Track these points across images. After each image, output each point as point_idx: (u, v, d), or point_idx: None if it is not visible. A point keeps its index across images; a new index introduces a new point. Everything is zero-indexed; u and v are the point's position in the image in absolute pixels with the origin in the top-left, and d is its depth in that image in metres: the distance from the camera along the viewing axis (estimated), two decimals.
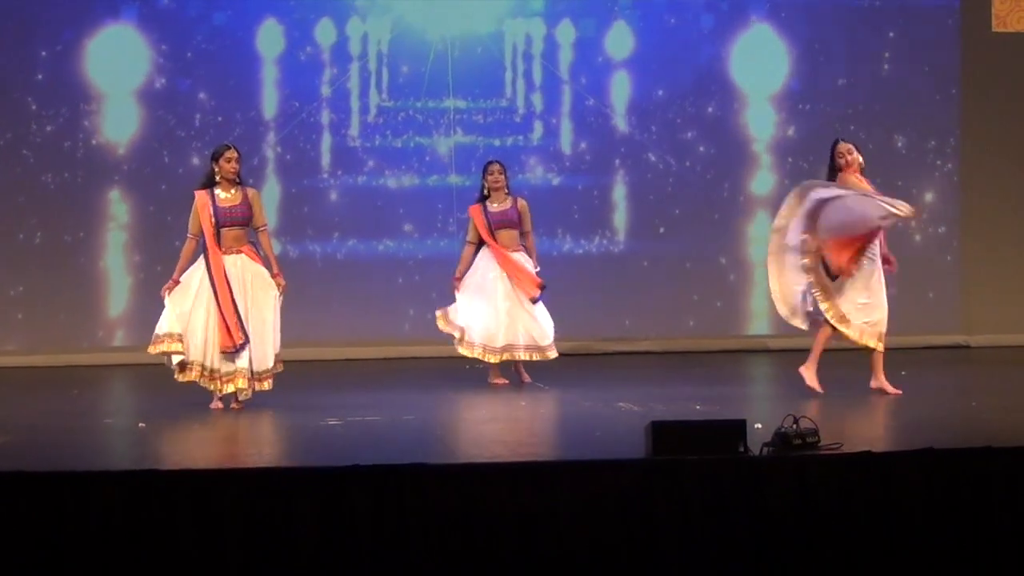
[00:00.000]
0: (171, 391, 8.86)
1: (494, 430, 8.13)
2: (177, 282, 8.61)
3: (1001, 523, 6.21)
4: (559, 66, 12.43)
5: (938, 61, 12.59)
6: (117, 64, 12.05)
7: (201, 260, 8.64)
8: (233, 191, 8.67)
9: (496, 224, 9.91)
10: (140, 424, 8.04)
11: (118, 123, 12.10)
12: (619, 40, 12.46)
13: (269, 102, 12.23)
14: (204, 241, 8.64)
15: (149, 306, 11.89)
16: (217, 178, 8.65)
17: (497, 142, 12.33)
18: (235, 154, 8.70)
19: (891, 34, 12.55)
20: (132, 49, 12.08)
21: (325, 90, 12.28)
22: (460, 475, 6.15)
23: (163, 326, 8.55)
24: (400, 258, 12.37)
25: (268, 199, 12.07)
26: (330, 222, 12.33)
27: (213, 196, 8.64)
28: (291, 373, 8.99)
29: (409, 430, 7.88)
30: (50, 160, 12.04)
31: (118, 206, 12.13)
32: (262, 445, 7.66)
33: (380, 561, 5.93)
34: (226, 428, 8.09)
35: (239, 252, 8.62)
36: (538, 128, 12.45)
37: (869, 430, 7.78)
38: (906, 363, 9.25)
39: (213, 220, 8.57)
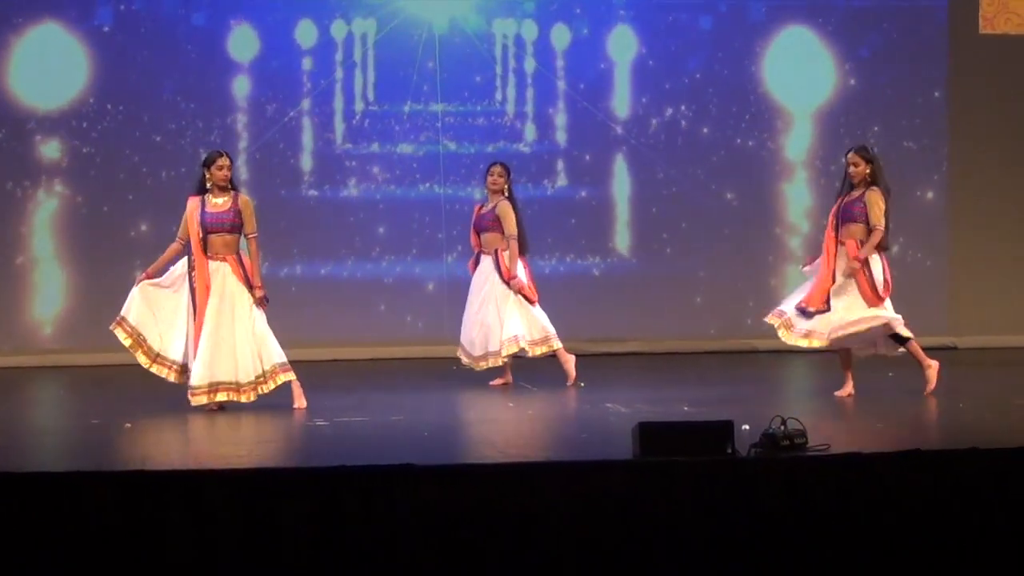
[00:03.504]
0: (149, 391, 8.90)
1: (482, 431, 8.13)
2: (149, 276, 8.70)
3: (988, 524, 6.22)
4: (553, 68, 12.32)
5: (925, 63, 12.60)
6: (91, 67, 11.87)
7: (182, 265, 8.71)
8: (224, 198, 8.72)
9: (477, 226, 9.90)
10: (126, 424, 8.02)
11: (93, 127, 11.93)
12: (615, 41, 12.35)
13: (248, 107, 12.04)
14: (190, 248, 8.68)
15: (103, 312, 11.88)
16: (209, 185, 8.71)
17: (490, 148, 12.15)
18: (227, 161, 8.76)
19: (878, 36, 12.56)
20: (106, 52, 11.90)
21: (306, 94, 12.09)
22: (448, 476, 6.15)
23: (128, 310, 8.67)
24: (384, 271, 12.20)
25: None
26: (311, 232, 12.12)
27: (203, 202, 8.69)
28: None
29: (397, 431, 7.88)
30: (16, 164, 11.88)
31: (82, 213, 11.93)
32: (250, 446, 7.65)
33: (368, 562, 5.92)
34: (213, 429, 8.08)
35: (224, 260, 8.66)
36: (530, 133, 12.33)
37: (856, 431, 7.79)
38: (893, 364, 9.26)
39: (200, 225, 8.61)
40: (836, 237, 8.93)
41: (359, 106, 12.20)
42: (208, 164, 8.72)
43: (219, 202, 8.70)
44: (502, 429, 8.16)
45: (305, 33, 12.14)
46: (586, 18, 12.36)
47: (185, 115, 12.01)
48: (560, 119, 12.36)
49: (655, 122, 12.41)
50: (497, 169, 9.88)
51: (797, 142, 12.53)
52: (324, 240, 12.19)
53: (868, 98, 12.53)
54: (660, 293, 12.39)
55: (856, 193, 8.95)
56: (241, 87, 12.08)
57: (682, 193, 12.42)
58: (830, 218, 9.04)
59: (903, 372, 9.52)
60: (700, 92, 12.43)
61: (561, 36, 12.32)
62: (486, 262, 9.84)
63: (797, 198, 12.53)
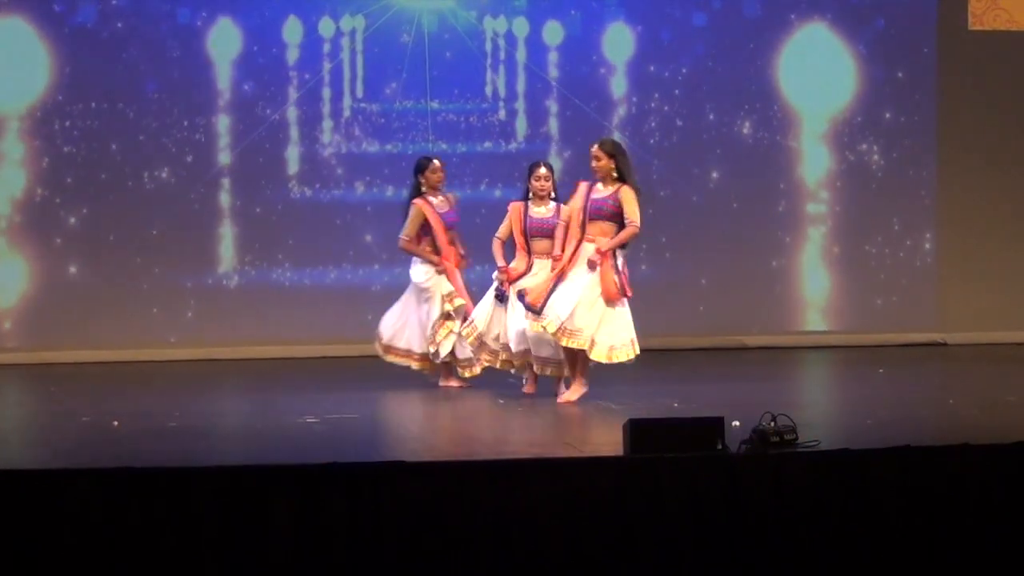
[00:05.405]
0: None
1: (472, 428, 8.12)
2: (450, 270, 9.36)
3: (978, 520, 6.22)
4: (545, 65, 12.22)
5: (914, 59, 12.59)
6: (73, 63, 11.72)
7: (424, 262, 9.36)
8: (441, 198, 9.41)
9: (533, 231, 9.27)
10: (114, 422, 7.99)
11: (76, 125, 11.77)
12: (609, 38, 12.24)
13: (233, 105, 11.87)
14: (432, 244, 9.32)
15: (77, 310, 11.77)
16: (424, 189, 9.27)
17: (485, 145, 12.05)
18: (440, 163, 9.46)
19: (866, 32, 12.54)
20: (89, 48, 11.73)
21: (293, 92, 11.97)
22: (437, 473, 6.14)
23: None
24: (374, 273, 12.04)
25: (232, 210, 11.92)
26: (298, 233, 11.97)
27: (432, 205, 9.33)
28: (268, 370, 9.00)
29: (387, 428, 7.86)
30: None
31: (61, 214, 11.76)
32: (237, 442, 7.63)
33: (356, 558, 5.91)
34: (203, 425, 8.06)
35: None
36: (522, 131, 12.21)
37: (846, 427, 7.79)
38: (883, 360, 9.27)
39: (444, 226, 9.30)
40: (582, 234, 8.76)
41: (347, 104, 12.12)
42: (422, 170, 9.33)
43: (441, 201, 9.41)
44: (492, 426, 8.15)
45: (292, 30, 12.02)
46: (579, 14, 12.29)
47: (169, 113, 11.90)
48: (552, 117, 12.28)
49: (649, 120, 12.36)
50: (544, 172, 9.34)
51: (793, 139, 12.48)
52: (311, 240, 12.07)
53: (863, 95, 12.49)
54: (655, 292, 12.30)
55: (605, 190, 8.81)
56: (226, 85, 12.00)
57: (677, 192, 12.35)
58: (574, 212, 8.83)
59: (893, 369, 9.53)
60: (695, 89, 12.37)
61: (553, 33, 12.25)
62: (542, 266, 9.23)
63: (792, 194, 12.50)
